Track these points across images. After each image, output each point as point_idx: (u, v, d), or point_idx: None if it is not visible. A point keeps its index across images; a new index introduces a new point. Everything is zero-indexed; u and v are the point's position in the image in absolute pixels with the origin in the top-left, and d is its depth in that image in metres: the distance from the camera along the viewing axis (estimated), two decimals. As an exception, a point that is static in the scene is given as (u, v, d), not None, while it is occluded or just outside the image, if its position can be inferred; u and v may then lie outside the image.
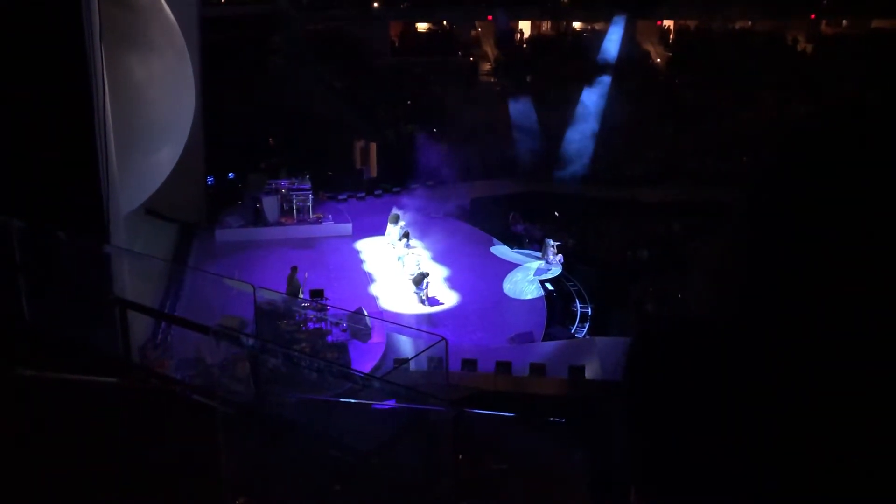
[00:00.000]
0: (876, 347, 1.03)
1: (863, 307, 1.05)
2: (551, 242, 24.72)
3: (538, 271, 24.09)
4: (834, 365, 1.06)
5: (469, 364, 17.94)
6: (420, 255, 24.11)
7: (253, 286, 12.77)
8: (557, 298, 22.86)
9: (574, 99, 33.44)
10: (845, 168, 1.14)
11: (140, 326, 13.28)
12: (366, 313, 19.19)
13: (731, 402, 1.14)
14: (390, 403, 5.47)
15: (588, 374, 17.89)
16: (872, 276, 1.06)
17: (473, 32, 41.15)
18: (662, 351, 1.26)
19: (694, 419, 1.19)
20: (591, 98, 33.24)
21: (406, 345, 18.13)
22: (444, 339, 9.34)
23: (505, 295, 22.66)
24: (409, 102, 35.26)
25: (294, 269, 19.82)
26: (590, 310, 22.33)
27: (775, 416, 1.10)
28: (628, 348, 1.29)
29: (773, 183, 1.24)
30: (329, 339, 18.00)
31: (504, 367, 18.13)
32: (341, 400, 5.66)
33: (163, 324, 15.81)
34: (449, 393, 14.07)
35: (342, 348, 17.79)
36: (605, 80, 33.27)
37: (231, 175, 29.79)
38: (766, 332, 1.14)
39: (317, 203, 27.03)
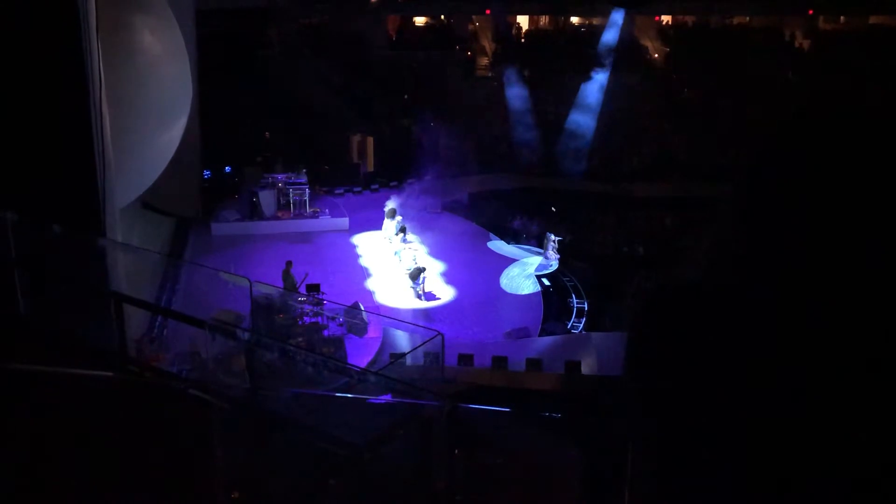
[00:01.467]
0: (862, 329, 1.03)
1: (852, 295, 1.05)
2: (552, 237, 24.71)
3: (539, 267, 24.10)
4: (823, 351, 1.06)
5: (465, 359, 17.97)
6: (417, 250, 24.11)
7: (249, 280, 12.77)
8: (554, 294, 22.87)
9: (571, 94, 33.41)
10: (830, 160, 1.15)
11: (136, 320, 13.27)
12: (362, 308, 19.19)
13: (728, 371, 1.15)
14: (386, 398, 5.47)
15: (584, 370, 17.93)
16: (861, 264, 1.06)
17: (471, 26, 41.09)
18: (666, 316, 1.27)
19: (697, 389, 1.20)
20: (588, 93, 33.21)
21: (402, 339, 18.13)
22: (440, 333, 9.36)
23: (502, 290, 22.68)
24: (406, 97, 35.20)
25: (289, 263, 19.79)
26: (586, 305, 22.35)
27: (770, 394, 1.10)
28: (633, 314, 1.31)
29: (758, 175, 1.25)
30: (325, 333, 18.00)
31: (500, 362, 18.16)
32: (336, 395, 5.67)
33: (158, 318, 15.79)
34: (445, 388, 14.08)
35: (338, 343, 17.78)
36: (603, 75, 33.24)
37: (227, 169, 29.76)
38: (758, 302, 1.15)
39: (313, 197, 27.00)
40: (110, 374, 6.61)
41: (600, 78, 33.19)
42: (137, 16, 17.05)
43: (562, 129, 33.06)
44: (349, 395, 5.43)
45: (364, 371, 6.03)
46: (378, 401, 5.39)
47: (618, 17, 33.83)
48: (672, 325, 1.21)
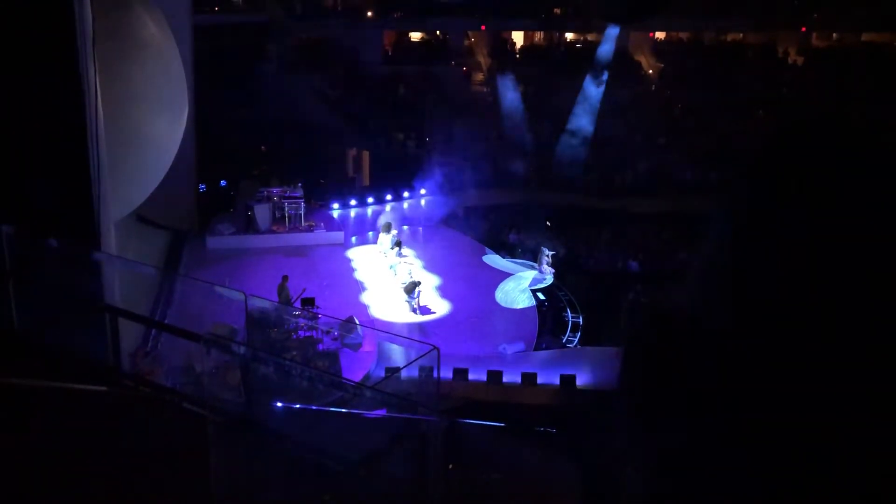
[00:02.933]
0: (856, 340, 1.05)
1: (844, 305, 1.07)
2: (546, 251, 24.79)
3: (533, 281, 24.14)
4: (816, 357, 1.08)
5: (460, 373, 17.94)
6: (412, 264, 24.13)
7: (244, 294, 12.73)
8: (549, 308, 22.89)
9: (566, 109, 33.55)
10: (820, 177, 1.17)
11: (130, 334, 13.22)
12: (357, 322, 19.16)
13: (721, 394, 1.16)
14: (381, 412, 5.46)
15: (579, 384, 17.92)
16: (851, 276, 1.08)
17: (466, 42, 41.30)
18: (658, 346, 1.28)
19: (690, 411, 1.21)
20: (583, 108, 33.35)
21: (397, 353, 18.10)
22: (435, 348, 9.33)
23: (497, 304, 22.68)
24: (401, 111, 35.32)
25: (285, 278, 19.77)
26: (581, 319, 22.37)
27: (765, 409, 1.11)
28: (625, 344, 1.32)
29: (748, 191, 1.27)
30: (320, 347, 17.95)
31: (495, 376, 18.13)
32: (331, 409, 5.65)
33: (153, 331, 15.74)
34: (440, 402, 14.04)
35: (333, 357, 17.74)
36: (598, 90, 33.39)
37: (223, 182, 29.77)
38: (749, 326, 1.16)
39: (308, 211, 27.03)
40: (104, 388, 6.59)
41: (595, 93, 33.33)
42: (134, 28, 17.09)
43: (556, 144, 33.19)
44: (344, 410, 5.42)
45: (359, 385, 6.01)
46: (373, 415, 5.38)
47: (612, 32, 34.02)
48: (663, 344, 1.22)
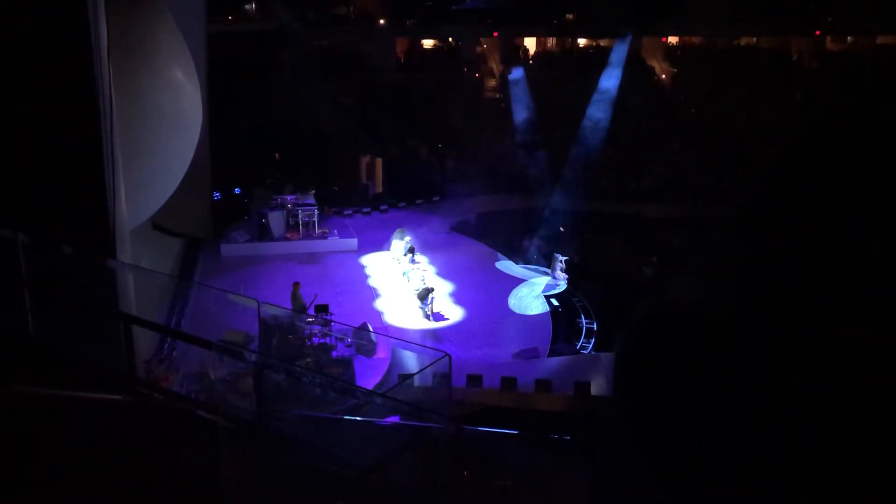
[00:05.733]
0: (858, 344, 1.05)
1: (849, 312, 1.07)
2: (560, 257, 24.71)
3: (547, 287, 24.07)
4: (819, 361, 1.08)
5: (474, 380, 17.90)
6: (425, 271, 24.13)
7: (257, 301, 12.79)
8: (563, 314, 22.82)
9: (579, 115, 33.48)
10: (834, 181, 1.17)
11: (145, 342, 13.31)
12: (371, 328, 19.19)
13: (719, 393, 1.17)
14: (393, 419, 5.46)
15: (594, 391, 17.83)
16: (857, 282, 1.08)
17: (479, 49, 41.35)
18: (655, 345, 1.29)
19: (688, 411, 1.21)
20: (596, 114, 33.27)
21: (411, 360, 18.10)
22: (447, 354, 9.35)
23: (510, 310, 22.64)
24: (414, 118, 35.42)
25: (296, 285, 19.80)
26: (595, 325, 22.28)
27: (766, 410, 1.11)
28: (620, 344, 1.33)
29: (761, 195, 1.27)
30: (334, 354, 17.99)
31: (509, 382, 18.09)
32: (344, 417, 5.66)
33: (167, 339, 15.83)
34: (453, 409, 14.03)
35: (347, 363, 17.77)
36: (610, 96, 33.31)
37: (237, 190, 29.92)
38: (752, 326, 1.16)
39: (322, 218, 27.11)
40: (119, 397, 6.63)
41: (608, 99, 33.25)
42: (147, 38, 17.23)
43: (570, 149, 33.09)
44: (356, 418, 5.43)
45: (370, 393, 6.02)
46: (385, 422, 5.38)
47: (625, 38, 33.95)
48: (661, 349, 1.23)
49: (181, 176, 19.29)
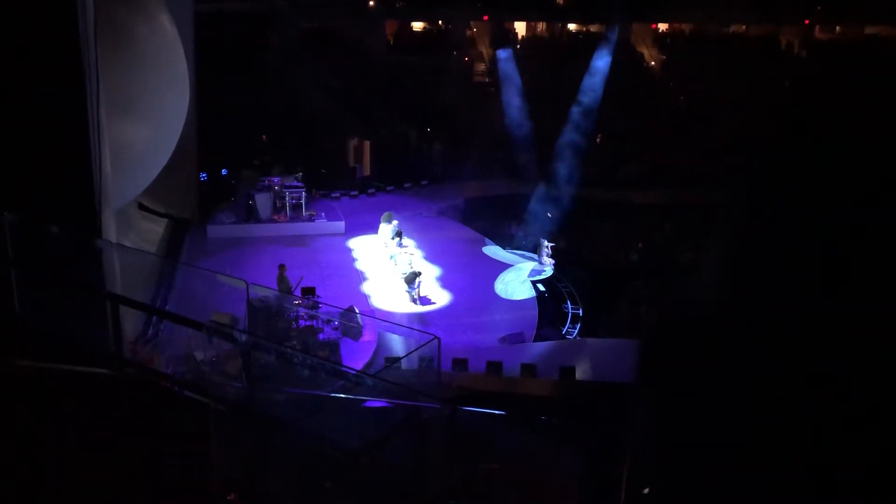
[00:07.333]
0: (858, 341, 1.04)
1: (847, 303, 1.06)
2: (546, 243, 24.78)
3: (533, 272, 24.14)
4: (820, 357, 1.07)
5: (460, 363, 17.94)
6: (412, 254, 24.12)
7: (246, 282, 12.73)
8: (549, 299, 22.89)
9: (568, 99, 33.43)
10: (823, 169, 1.16)
11: (131, 322, 13.23)
12: (357, 311, 19.15)
13: (734, 395, 1.16)
14: (383, 401, 5.46)
15: (578, 375, 17.92)
16: (854, 275, 1.07)
17: (469, 32, 41.17)
18: (673, 349, 1.28)
19: (705, 412, 1.21)
20: (585, 99, 33.23)
21: (397, 343, 18.10)
22: (436, 337, 9.34)
23: (496, 295, 22.68)
24: (403, 101, 35.27)
25: (282, 267, 19.72)
26: (581, 311, 22.37)
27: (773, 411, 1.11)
28: (640, 349, 1.32)
29: (749, 184, 1.26)
30: (320, 336, 17.95)
31: (495, 366, 18.14)
32: (332, 395, 5.66)
33: (153, 319, 15.75)
34: (440, 392, 14.04)
35: (333, 346, 17.74)
36: (599, 81, 33.28)
37: (224, 171, 29.74)
38: (756, 326, 1.16)
39: (310, 200, 27.00)
40: (105, 371, 6.59)
41: (597, 84, 33.21)
42: (135, 16, 17.03)
43: (558, 135, 33.05)
44: (347, 397, 5.43)
45: (361, 374, 6.02)
46: (376, 404, 5.38)
47: (615, 24, 33.88)
48: (683, 344, 1.22)
49: (168, 156, 19.15)
